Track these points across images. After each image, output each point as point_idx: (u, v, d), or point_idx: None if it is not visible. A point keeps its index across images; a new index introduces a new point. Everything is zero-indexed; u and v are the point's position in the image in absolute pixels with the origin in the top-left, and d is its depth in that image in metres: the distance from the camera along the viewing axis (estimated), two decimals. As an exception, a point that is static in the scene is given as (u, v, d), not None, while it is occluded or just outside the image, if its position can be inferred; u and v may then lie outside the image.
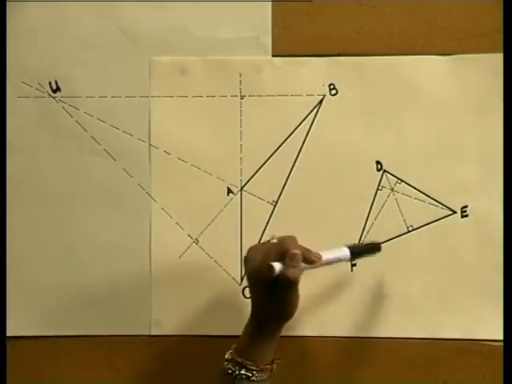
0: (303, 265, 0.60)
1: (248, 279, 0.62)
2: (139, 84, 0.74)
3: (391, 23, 0.72)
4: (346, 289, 0.73)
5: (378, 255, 0.72)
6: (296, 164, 0.73)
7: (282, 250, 0.59)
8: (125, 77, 0.74)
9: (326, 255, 0.62)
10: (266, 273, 0.58)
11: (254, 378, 0.60)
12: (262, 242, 0.70)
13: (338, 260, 0.64)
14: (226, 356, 0.62)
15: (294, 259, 0.59)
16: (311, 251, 0.61)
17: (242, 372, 0.60)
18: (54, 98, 0.74)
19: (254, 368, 0.61)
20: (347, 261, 0.66)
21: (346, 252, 0.64)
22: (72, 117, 0.74)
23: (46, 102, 0.74)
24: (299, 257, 0.59)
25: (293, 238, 0.61)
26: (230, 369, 0.61)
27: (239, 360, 0.61)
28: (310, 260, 0.60)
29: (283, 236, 0.61)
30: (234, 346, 0.63)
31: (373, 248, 0.68)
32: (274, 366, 0.63)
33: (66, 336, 0.74)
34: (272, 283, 0.59)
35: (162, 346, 0.74)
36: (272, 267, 0.58)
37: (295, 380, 0.73)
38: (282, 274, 0.58)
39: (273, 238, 0.62)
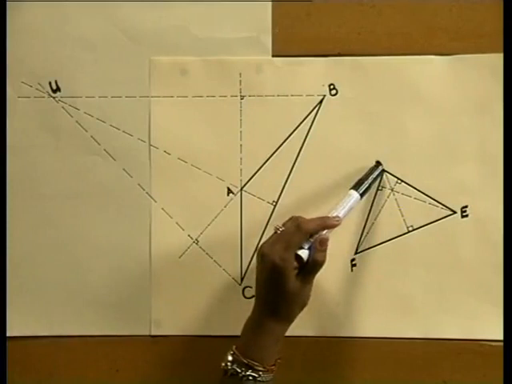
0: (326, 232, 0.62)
1: (267, 275, 0.61)
2: (139, 84, 0.74)
3: (391, 23, 0.72)
4: (346, 289, 0.73)
5: (378, 255, 0.73)
6: (296, 164, 0.73)
7: (303, 233, 0.60)
8: (125, 77, 0.74)
9: (342, 212, 0.65)
10: (291, 263, 0.59)
11: (260, 379, 0.60)
12: (269, 236, 0.68)
13: (353, 207, 0.67)
14: (229, 357, 0.61)
15: (323, 244, 0.61)
16: (329, 217, 0.63)
17: (249, 373, 0.60)
18: (53, 98, 0.74)
19: (260, 369, 0.60)
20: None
21: (356, 196, 0.67)
22: (72, 117, 0.74)
23: (46, 102, 0.74)
24: (327, 241, 0.61)
25: (303, 218, 0.62)
26: (235, 370, 0.60)
27: (245, 361, 0.60)
28: (333, 225, 0.63)
29: (291, 220, 0.62)
30: (235, 346, 0.62)
31: (376, 174, 0.71)
32: (276, 367, 0.62)
33: (66, 336, 0.74)
34: (300, 272, 0.60)
35: (162, 345, 0.74)
36: (300, 256, 0.60)
37: (295, 380, 0.73)
38: (309, 259, 0.60)
39: (278, 228, 0.62)
